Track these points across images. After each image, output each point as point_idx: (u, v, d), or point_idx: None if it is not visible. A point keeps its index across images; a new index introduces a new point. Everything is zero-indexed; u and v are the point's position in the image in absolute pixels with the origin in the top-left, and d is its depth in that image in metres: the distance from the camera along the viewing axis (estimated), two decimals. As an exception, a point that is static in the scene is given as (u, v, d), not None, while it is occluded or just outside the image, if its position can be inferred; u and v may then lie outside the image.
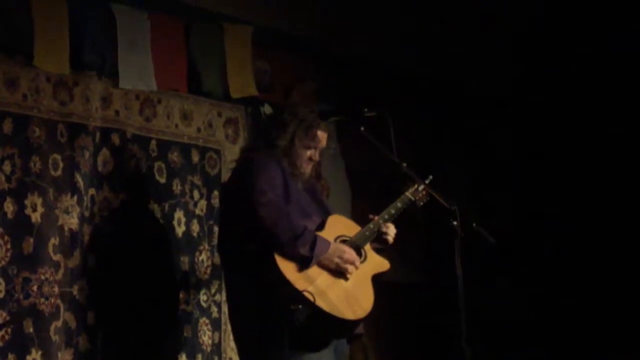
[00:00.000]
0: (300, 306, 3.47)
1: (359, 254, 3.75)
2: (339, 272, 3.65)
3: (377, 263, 3.83)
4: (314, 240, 3.60)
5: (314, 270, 3.59)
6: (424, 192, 3.93)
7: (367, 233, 3.81)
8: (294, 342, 3.50)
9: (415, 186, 3.93)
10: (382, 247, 3.92)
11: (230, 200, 3.79)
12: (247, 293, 3.63)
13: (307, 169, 3.87)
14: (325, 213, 3.87)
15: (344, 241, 3.75)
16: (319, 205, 3.91)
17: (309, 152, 3.85)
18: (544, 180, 6.06)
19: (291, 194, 3.72)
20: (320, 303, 3.53)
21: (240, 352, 3.79)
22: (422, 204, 3.96)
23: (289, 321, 3.48)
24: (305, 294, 3.49)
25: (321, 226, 3.76)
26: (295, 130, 3.81)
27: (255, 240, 3.58)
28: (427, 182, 3.94)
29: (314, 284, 3.56)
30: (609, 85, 5.79)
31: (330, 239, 3.70)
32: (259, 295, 3.58)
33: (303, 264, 3.57)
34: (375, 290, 3.73)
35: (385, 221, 3.87)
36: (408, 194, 3.93)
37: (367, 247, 3.82)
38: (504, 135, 6.17)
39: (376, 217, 3.86)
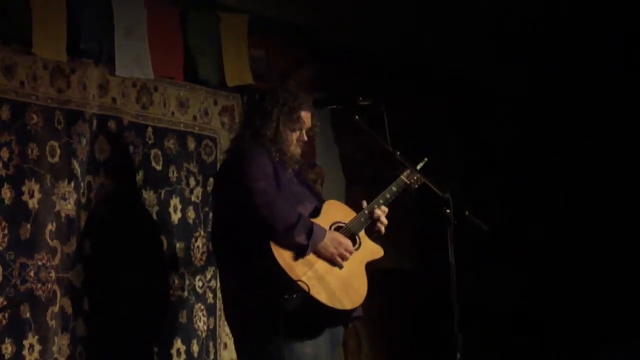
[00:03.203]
0: (294, 296, 3.49)
1: (354, 240, 3.77)
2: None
3: (372, 250, 3.84)
4: (311, 228, 3.61)
5: (311, 256, 3.60)
6: (418, 175, 3.91)
7: (362, 219, 3.82)
8: (289, 330, 3.52)
9: (410, 169, 3.93)
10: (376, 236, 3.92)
11: (223, 191, 3.80)
12: (242, 282, 3.64)
13: (297, 150, 3.87)
14: (316, 197, 3.89)
15: (339, 227, 3.76)
16: (309, 190, 3.92)
17: (295, 135, 3.85)
18: (538, 169, 6.09)
19: (282, 182, 3.72)
20: (318, 293, 3.54)
21: (236, 342, 3.82)
22: (416, 186, 3.93)
23: (283, 310, 3.49)
24: (300, 283, 3.51)
25: (317, 212, 3.77)
26: (279, 116, 3.80)
27: (251, 229, 3.59)
28: (422, 164, 3.94)
29: (313, 269, 3.58)
30: (607, 77, 5.80)
31: (326, 225, 3.71)
32: (253, 284, 3.59)
33: (299, 253, 3.58)
34: (367, 276, 3.76)
35: (380, 206, 3.85)
36: (403, 177, 3.92)
37: (362, 234, 3.82)
38: (500, 125, 6.19)
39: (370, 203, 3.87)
